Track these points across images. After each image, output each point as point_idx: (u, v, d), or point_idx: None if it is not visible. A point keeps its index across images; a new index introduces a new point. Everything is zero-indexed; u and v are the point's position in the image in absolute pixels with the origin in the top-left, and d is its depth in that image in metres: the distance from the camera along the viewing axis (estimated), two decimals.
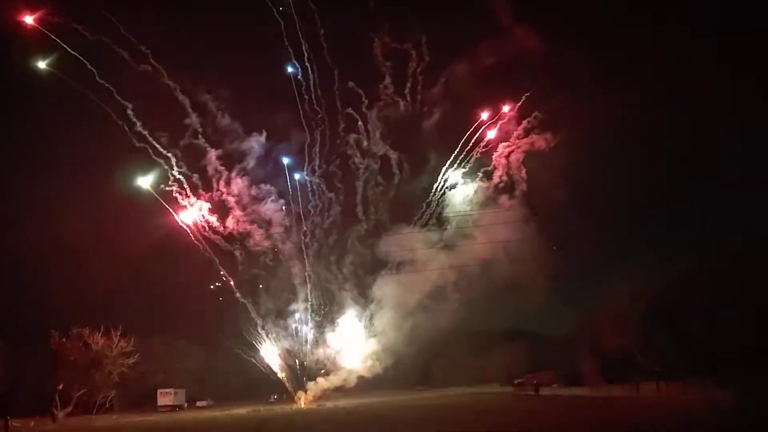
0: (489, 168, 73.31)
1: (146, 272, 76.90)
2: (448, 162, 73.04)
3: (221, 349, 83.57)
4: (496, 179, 73.14)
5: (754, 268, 45.11)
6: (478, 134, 72.07)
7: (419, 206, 74.19)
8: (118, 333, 71.33)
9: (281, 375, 74.03)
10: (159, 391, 77.64)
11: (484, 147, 72.67)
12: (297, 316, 74.63)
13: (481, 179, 73.63)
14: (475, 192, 73.82)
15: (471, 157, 72.84)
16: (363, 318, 75.13)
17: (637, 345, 47.62)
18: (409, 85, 70.34)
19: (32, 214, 79.98)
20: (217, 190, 70.34)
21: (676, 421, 22.27)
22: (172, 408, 75.18)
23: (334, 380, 73.53)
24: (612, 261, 67.58)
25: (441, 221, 74.55)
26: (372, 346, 73.97)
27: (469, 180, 73.95)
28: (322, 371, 73.99)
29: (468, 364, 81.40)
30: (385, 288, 73.43)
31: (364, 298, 75.12)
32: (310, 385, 72.58)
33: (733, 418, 10.99)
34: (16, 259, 75.74)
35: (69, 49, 57.70)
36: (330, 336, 74.96)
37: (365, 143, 72.95)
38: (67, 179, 76.92)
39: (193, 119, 67.02)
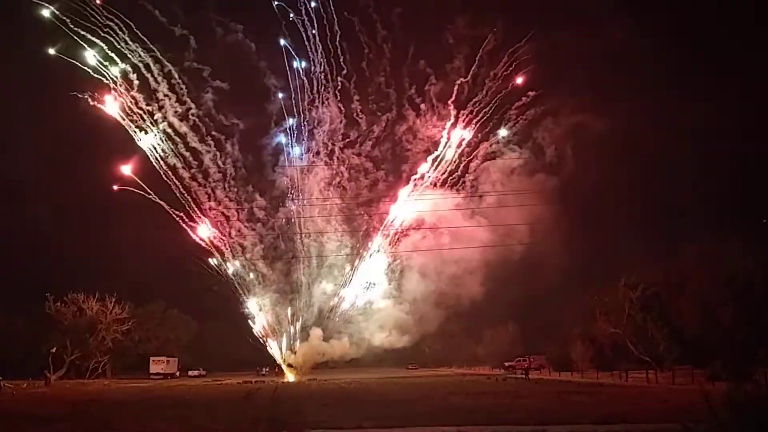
0: (531, 142, 73.90)
1: (146, 242, 76.94)
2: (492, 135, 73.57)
3: (216, 319, 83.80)
4: (533, 151, 73.99)
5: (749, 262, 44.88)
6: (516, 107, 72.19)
7: (456, 174, 74.22)
8: (113, 299, 71.58)
9: (272, 349, 74.22)
10: (152, 359, 78.32)
11: (528, 121, 72.98)
12: (322, 285, 74.90)
13: (528, 149, 74.10)
14: (518, 165, 74.07)
15: (515, 131, 73.38)
16: (390, 286, 75.18)
17: (628, 334, 47.79)
18: (474, 68, 70.97)
19: (35, 179, 79.71)
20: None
21: (661, 409, 22.34)
22: (164, 376, 75.71)
23: (349, 352, 73.67)
24: (619, 250, 67.37)
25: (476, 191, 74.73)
26: (400, 314, 73.49)
27: (510, 151, 74.13)
28: (329, 341, 73.75)
29: (460, 345, 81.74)
30: (413, 256, 73.93)
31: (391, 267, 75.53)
32: (300, 358, 72.66)
33: (723, 411, 10.90)
34: (12, 223, 75.58)
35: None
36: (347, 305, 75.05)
37: (419, 126, 73.62)
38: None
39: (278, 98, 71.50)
